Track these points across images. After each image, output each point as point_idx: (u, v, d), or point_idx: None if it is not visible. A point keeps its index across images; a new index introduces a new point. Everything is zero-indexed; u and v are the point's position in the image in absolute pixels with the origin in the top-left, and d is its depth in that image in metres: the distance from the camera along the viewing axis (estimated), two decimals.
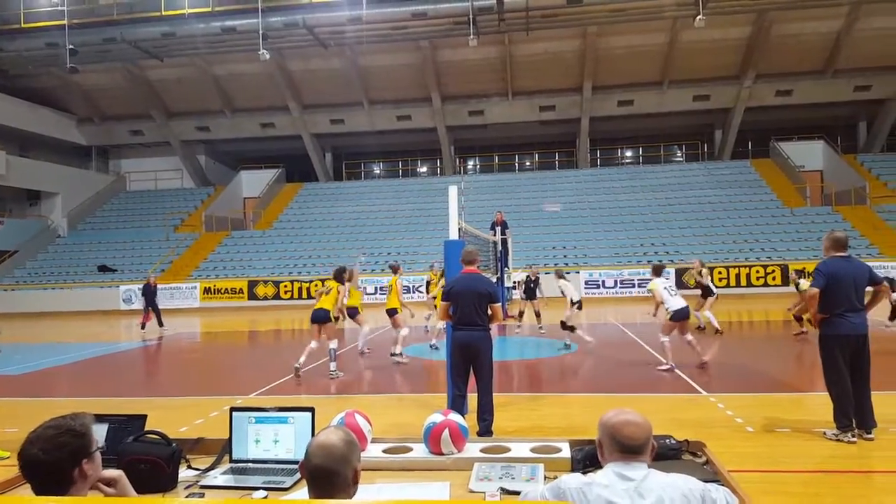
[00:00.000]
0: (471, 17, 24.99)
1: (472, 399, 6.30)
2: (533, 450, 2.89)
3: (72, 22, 26.85)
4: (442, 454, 2.87)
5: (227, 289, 26.95)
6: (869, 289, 5.76)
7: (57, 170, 33.73)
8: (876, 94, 31.22)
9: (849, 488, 4.71)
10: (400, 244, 28.74)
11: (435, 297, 12.23)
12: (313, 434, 2.71)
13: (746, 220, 28.11)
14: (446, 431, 2.87)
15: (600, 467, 2.14)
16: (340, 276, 10.05)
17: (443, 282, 9.89)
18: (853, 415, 5.61)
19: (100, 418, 2.73)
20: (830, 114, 33.47)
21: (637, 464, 2.05)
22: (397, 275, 12.02)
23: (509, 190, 32.79)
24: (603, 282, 24.90)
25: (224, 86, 33.40)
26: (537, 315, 14.61)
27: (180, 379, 11.22)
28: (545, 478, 2.55)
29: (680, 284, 23.95)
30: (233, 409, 2.90)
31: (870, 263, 6.23)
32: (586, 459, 2.65)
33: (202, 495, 2.50)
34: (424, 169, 39.97)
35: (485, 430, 5.84)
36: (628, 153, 38.66)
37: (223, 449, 2.88)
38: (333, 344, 9.78)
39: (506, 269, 17.88)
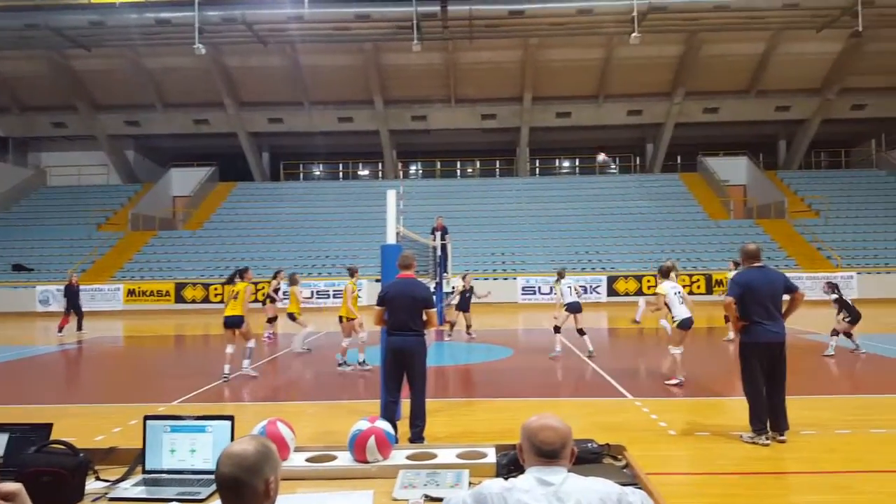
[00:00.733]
0: (415, 22, 25.05)
1: (405, 405, 6.26)
2: (459, 455, 2.88)
3: None
4: (367, 462, 2.83)
5: (152, 291, 25.94)
6: (786, 297, 6.02)
7: None
8: (795, 114, 33.28)
9: (764, 489, 4.91)
10: (339, 248, 28.43)
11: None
12: None
13: (674, 231, 29.18)
14: (372, 439, 2.83)
15: (524, 472, 2.14)
16: (243, 275, 10.25)
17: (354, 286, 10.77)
18: (766, 418, 5.88)
19: (0, 427, 2.57)
20: (754, 132, 35.33)
21: (556, 468, 2.06)
22: (353, 279, 11.14)
23: (451, 196, 32.97)
24: (539, 288, 25.29)
25: (156, 79, 32.33)
26: (468, 326, 14.61)
27: (99, 385, 10.73)
28: (470, 484, 2.54)
29: (612, 292, 24.59)
30: (146, 418, 2.78)
31: (787, 274, 6.53)
32: (510, 464, 2.66)
33: None
34: (366, 172, 39.79)
35: (416, 436, 5.81)
36: (565, 163, 39.61)
37: (136, 459, 2.76)
38: (251, 343, 10.13)
39: (445, 274, 17.93)
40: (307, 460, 2.87)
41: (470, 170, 39.31)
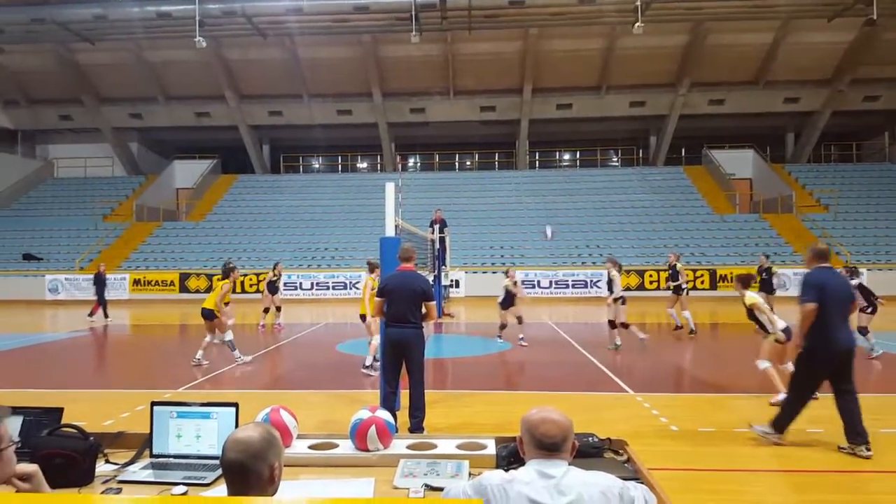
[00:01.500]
0: (413, 13, 24.94)
1: (404, 397, 6.31)
2: (459, 447, 2.92)
3: None
4: (368, 451, 2.88)
5: (157, 281, 26.14)
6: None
7: None
8: (804, 106, 32.71)
9: (770, 486, 4.92)
10: (339, 239, 28.49)
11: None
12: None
13: (678, 226, 29.05)
14: (373, 428, 2.88)
15: (524, 464, 2.17)
16: (228, 273, 10.38)
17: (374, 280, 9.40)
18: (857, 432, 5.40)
19: (15, 411, 2.63)
20: (761, 124, 34.85)
21: (557, 461, 2.09)
22: (374, 274, 9.59)
23: (449, 189, 32.92)
24: (538, 282, 25.31)
25: (159, 72, 32.32)
26: (513, 323, 12.75)
27: (108, 371, 10.98)
28: (469, 474, 2.58)
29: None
30: (154, 404, 2.84)
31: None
32: (510, 456, 2.70)
33: (119, 491, 2.45)
34: (365, 165, 39.72)
35: (416, 426, 5.89)
36: (566, 156, 39.43)
37: (144, 444, 2.83)
38: (228, 336, 10.32)
39: (443, 267, 17.97)
40: (309, 447, 2.92)
41: (469, 162, 39.17)
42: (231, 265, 10.57)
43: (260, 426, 1.90)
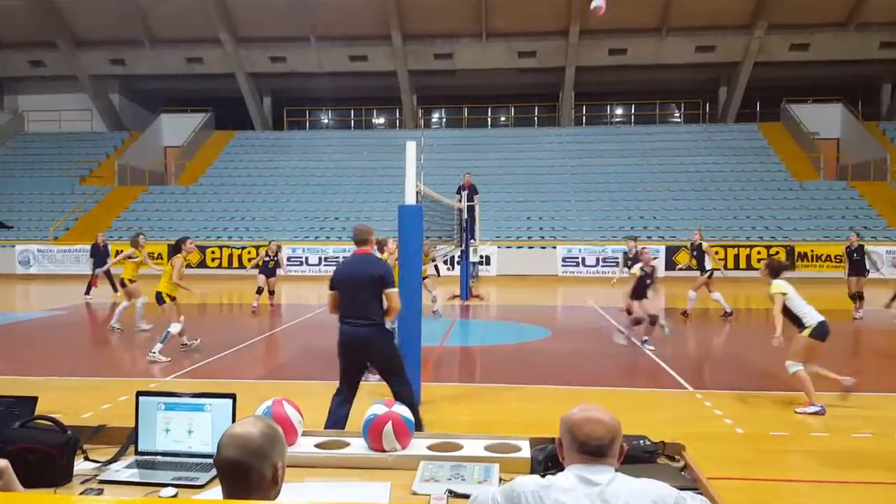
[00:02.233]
0: None
1: (425, 390, 6.36)
2: (488, 448, 2.94)
3: None
4: (383, 451, 2.91)
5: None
6: None
7: None
8: None
9: (841, 498, 4.89)
10: (350, 207, 28.58)
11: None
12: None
13: (750, 194, 28.64)
14: (389, 425, 2.90)
15: (563, 469, 2.18)
16: (179, 247, 10.33)
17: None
18: None
19: None
20: (851, 73, 33.96)
21: (602, 466, 2.09)
22: (384, 254, 9.68)
23: (480, 148, 32.77)
24: (583, 259, 25.19)
25: (144, 11, 32.36)
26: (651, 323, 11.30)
27: (87, 356, 11.08)
28: (500, 480, 2.59)
29: (671, 265, 24.39)
30: (139, 394, 2.89)
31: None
32: (548, 460, 2.70)
33: (101, 492, 2.50)
34: (381, 120, 39.69)
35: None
36: (618, 111, 39.00)
37: (128, 439, 2.88)
38: (173, 328, 9.86)
39: (472, 241, 17.92)
40: (316, 446, 2.96)
41: (503, 118, 38.87)
42: (184, 238, 10.54)
43: (261, 420, 1.92)
